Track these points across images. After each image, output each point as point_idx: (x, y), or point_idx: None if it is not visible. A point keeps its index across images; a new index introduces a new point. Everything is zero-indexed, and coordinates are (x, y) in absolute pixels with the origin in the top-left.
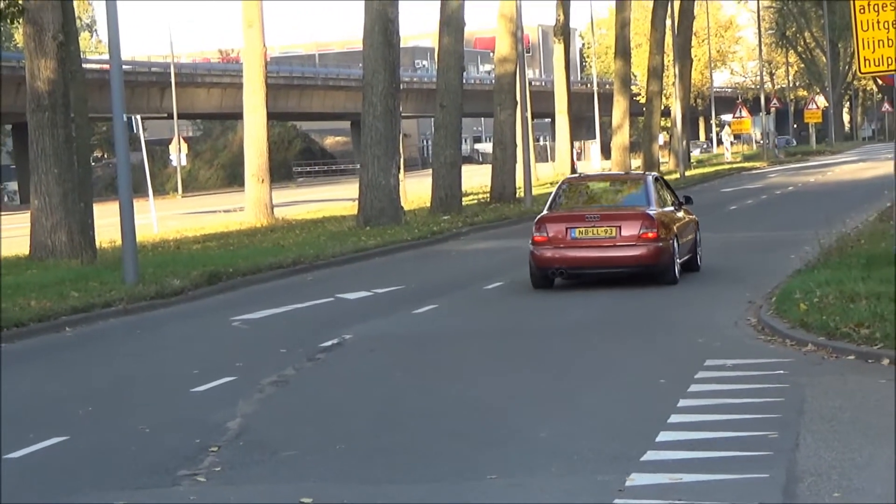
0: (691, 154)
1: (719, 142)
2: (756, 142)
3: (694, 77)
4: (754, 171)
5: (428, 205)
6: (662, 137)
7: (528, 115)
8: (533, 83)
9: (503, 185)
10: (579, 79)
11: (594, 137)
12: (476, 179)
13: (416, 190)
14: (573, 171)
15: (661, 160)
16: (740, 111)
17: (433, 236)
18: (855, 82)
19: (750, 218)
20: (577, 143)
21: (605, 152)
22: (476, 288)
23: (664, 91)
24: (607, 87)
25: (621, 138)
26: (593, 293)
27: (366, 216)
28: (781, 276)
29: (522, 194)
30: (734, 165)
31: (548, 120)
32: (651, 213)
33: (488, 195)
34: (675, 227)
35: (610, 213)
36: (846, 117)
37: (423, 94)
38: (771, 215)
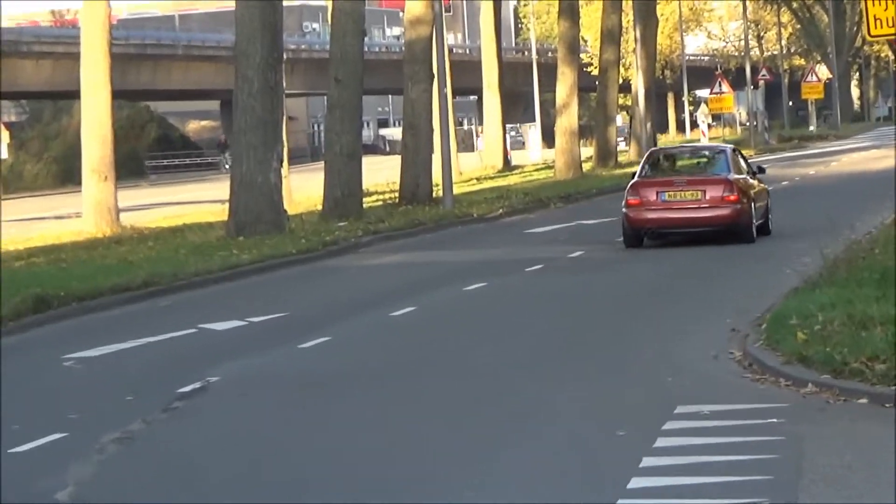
0: (657, 140)
1: (693, 124)
2: (740, 124)
3: (660, 42)
4: None
5: (319, 207)
6: (621, 119)
7: (448, 91)
8: (455, 51)
9: (416, 181)
10: (514, 45)
11: (533, 120)
12: (382, 174)
13: (304, 188)
14: (506, 161)
15: (618, 148)
16: (720, 85)
17: (325, 248)
18: (865, 48)
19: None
20: (511, 127)
21: (548, 138)
22: (380, 315)
23: (622, 60)
24: (550, 55)
25: (568, 120)
26: (535, 312)
27: (239, 223)
28: (773, 295)
29: (441, 193)
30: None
31: (473, 98)
32: (731, 178)
33: (397, 195)
34: (751, 193)
35: (695, 179)
36: (855, 92)
37: (314, 66)
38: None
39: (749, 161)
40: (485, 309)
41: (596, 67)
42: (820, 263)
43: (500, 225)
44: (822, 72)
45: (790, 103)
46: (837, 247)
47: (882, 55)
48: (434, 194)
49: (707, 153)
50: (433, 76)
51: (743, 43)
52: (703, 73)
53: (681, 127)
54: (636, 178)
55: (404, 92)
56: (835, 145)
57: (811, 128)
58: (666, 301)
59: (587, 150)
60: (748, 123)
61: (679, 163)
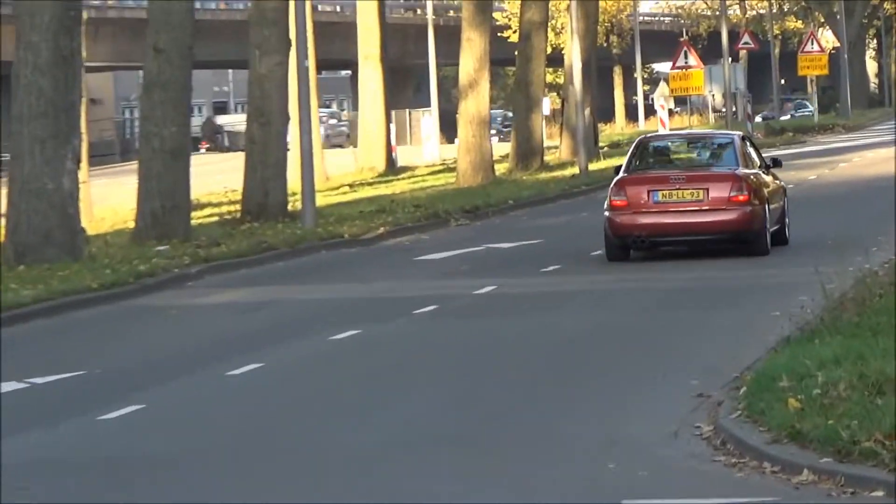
0: (598, 132)
1: (649, 111)
2: (714, 111)
3: None
4: None
5: (131, 225)
6: (549, 103)
7: (311, 64)
8: (320, 8)
9: (264, 189)
10: (401, 1)
11: (428, 104)
12: (218, 178)
13: (110, 198)
14: (390, 161)
15: (545, 142)
16: (685, 56)
17: (138, 282)
18: (887, 4)
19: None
20: (397, 114)
21: (449, 130)
22: (211, 375)
23: (552, 22)
24: (452, 14)
25: (476, 105)
26: (425, 373)
27: (18, 246)
28: (756, 348)
29: (299, 206)
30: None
31: (345, 73)
32: (740, 174)
33: (238, 208)
34: (765, 192)
35: (696, 174)
36: (871, 67)
37: (125, 30)
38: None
39: (762, 152)
40: (356, 367)
41: (515, 32)
42: (820, 303)
43: (381, 249)
44: (827, 38)
45: (783, 82)
46: (845, 280)
47: None
48: (290, 207)
49: (711, 142)
50: (290, 44)
51: None
52: (663, 40)
53: (631, 114)
54: (622, 174)
55: (250, 66)
56: (843, 140)
57: (810, 114)
58: (609, 353)
59: (502, 147)
60: (723, 110)
61: (675, 154)
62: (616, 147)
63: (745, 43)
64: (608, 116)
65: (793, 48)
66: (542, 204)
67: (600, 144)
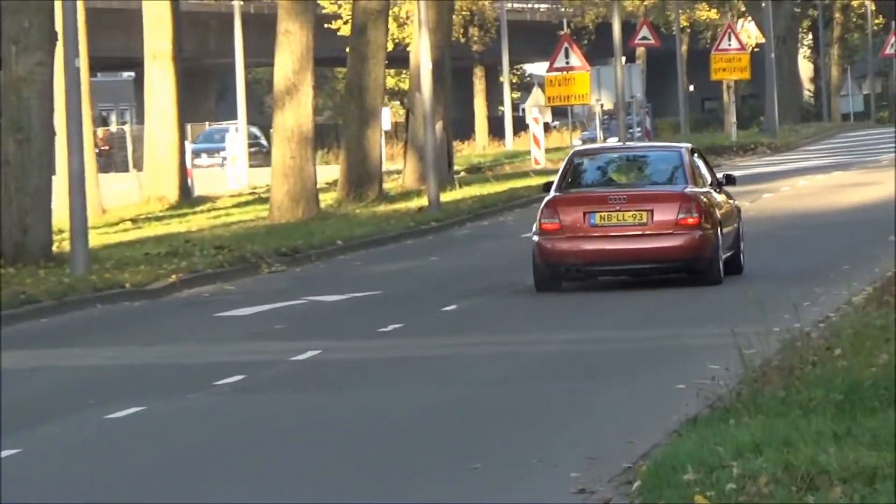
0: (453, 153)
1: (519, 126)
2: (601, 124)
3: None
4: None
5: None
6: (390, 115)
7: (82, 64)
8: None
9: (22, 224)
10: None
11: (234, 116)
12: None
13: None
14: (184, 190)
15: (385, 166)
16: (566, 55)
17: None
18: None
19: (586, 303)
20: (193, 129)
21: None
22: None
23: (393, 11)
24: (263, 2)
25: (295, 116)
26: (230, 469)
27: None
28: (654, 430)
29: (67, 246)
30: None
31: (128, 76)
32: (689, 193)
33: None
34: (717, 214)
35: (639, 194)
36: (805, 70)
37: None
38: (637, 295)
39: (712, 167)
40: (136, 456)
41: (347, 23)
42: (737, 372)
43: (173, 303)
44: (749, 33)
45: (691, 88)
46: (768, 344)
47: (854, 4)
48: (55, 248)
49: (655, 156)
50: (56, 37)
51: None
52: (538, 34)
53: (497, 129)
54: (553, 193)
55: (3, 66)
56: (769, 163)
57: (729, 131)
58: (461, 439)
59: (328, 171)
60: (615, 122)
61: (615, 170)
62: (476, 172)
63: (644, 38)
64: (466, 132)
65: (705, 45)
66: (381, 245)
67: (456, 168)
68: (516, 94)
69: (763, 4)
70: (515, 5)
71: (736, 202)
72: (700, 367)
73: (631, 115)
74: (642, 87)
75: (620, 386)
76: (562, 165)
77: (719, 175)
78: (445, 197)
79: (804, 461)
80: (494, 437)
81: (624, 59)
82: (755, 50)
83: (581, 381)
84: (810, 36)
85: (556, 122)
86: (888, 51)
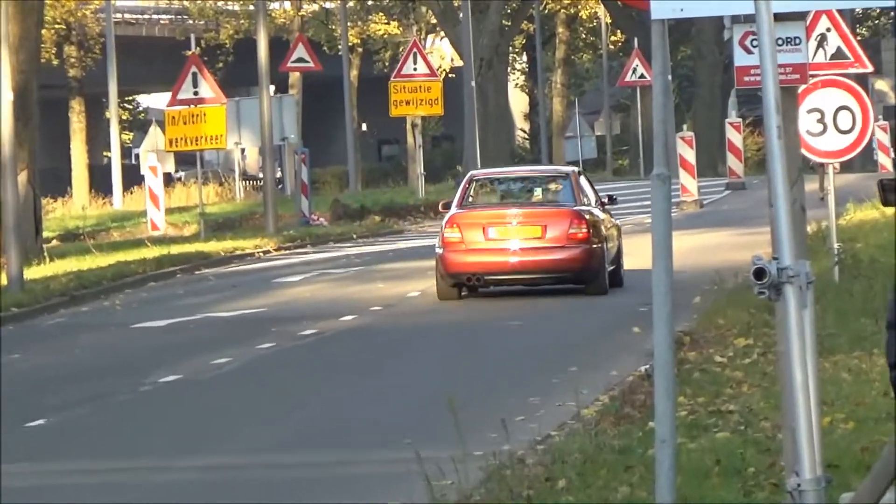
0: (42, 213)
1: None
2: (246, 175)
3: None
4: (245, 266)
5: None
6: None
7: None
8: None
9: None
10: None
11: None
12: None
13: None
14: None
15: None
16: (194, 84)
17: None
18: None
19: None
20: None
21: None
22: None
23: None
24: None
25: None
26: None
27: None
28: None
29: None
30: (186, 250)
31: None
32: (579, 210)
33: None
34: (602, 230)
35: (533, 211)
36: (518, 103)
37: None
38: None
39: (596, 189)
40: None
41: None
42: None
43: None
44: (443, 53)
45: (364, 127)
46: (467, 473)
47: (582, 13)
48: None
49: (546, 176)
50: None
51: None
52: (156, 55)
53: (101, 181)
54: (455, 209)
55: None
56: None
57: (416, 185)
58: None
59: None
60: (262, 175)
61: (509, 190)
62: (74, 240)
63: (299, 60)
64: (60, 187)
65: (383, 70)
66: None
67: (46, 235)
68: (128, 136)
69: (461, 15)
70: (127, 16)
71: (617, 221)
72: None
73: (282, 160)
74: (296, 125)
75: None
76: (461, 184)
77: (602, 196)
78: (31, 273)
79: None
80: None
81: (273, 88)
82: (450, 76)
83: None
84: (525, 58)
85: (182, 173)
86: (629, 78)
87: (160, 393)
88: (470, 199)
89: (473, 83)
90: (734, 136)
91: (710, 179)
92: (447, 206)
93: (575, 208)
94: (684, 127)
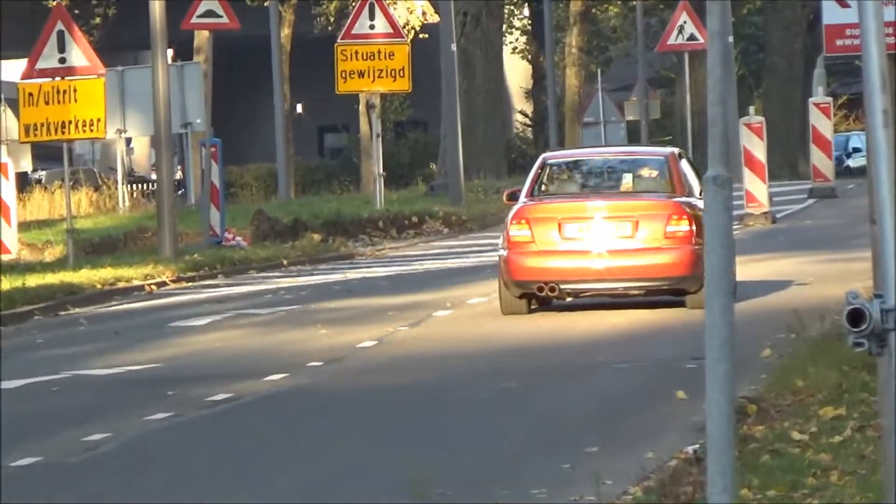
0: None
1: None
2: (131, 175)
3: None
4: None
5: None
6: None
7: None
8: None
9: None
10: None
11: None
12: None
13: None
14: None
15: None
16: (60, 48)
17: None
18: None
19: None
20: None
21: None
22: None
23: None
24: None
25: None
26: None
27: None
28: None
29: None
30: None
31: None
32: (680, 202)
33: None
34: None
35: (622, 203)
36: (517, 75)
37: None
38: None
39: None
40: None
41: None
42: None
43: None
44: (412, 5)
45: (298, 109)
46: None
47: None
48: None
49: (639, 159)
50: None
51: None
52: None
53: None
54: (523, 200)
55: None
56: (449, 252)
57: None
58: None
59: None
60: (154, 176)
61: (594, 176)
62: None
63: (208, 14)
64: None
65: (328, 28)
66: None
67: None
68: None
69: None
70: None
71: None
72: None
73: (184, 156)
74: (205, 106)
75: None
76: (532, 170)
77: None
78: None
79: None
80: None
81: (171, 53)
82: (422, 37)
83: None
84: (527, 11)
85: (42, 173)
86: (674, 40)
87: (11, 482)
88: (543, 187)
89: (454, 47)
90: (821, 123)
91: (786, 183)
92: (514, 197)
93: (675, 200)
94: (750, 110)
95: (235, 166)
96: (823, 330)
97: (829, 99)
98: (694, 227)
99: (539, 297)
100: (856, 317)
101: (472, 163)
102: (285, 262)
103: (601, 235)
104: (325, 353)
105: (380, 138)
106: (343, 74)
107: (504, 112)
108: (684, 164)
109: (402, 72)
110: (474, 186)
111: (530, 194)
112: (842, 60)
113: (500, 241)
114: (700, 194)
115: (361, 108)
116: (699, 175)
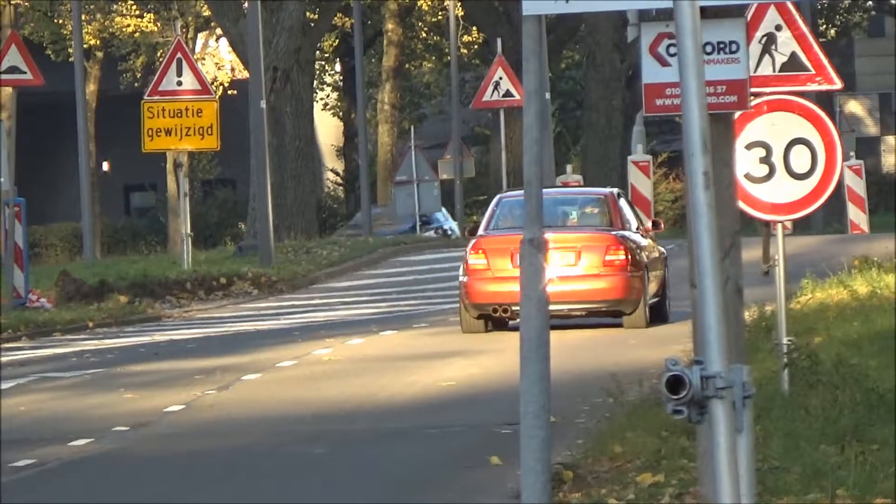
0: None
1: None
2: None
3: None
4: None
5: None
6: None
7: None
8: None
9: None
10: None
11: None
12: None
13: None
14: None
15: None
16: None
17: None
18: None
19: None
20: None
21: None
22: None
23: None
24: None
25: None
26: None
27: None
28: None
29: None
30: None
31: None
32: (617, 235)
33: None
34: (644, 257)
35: (567, 236)
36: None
37: None
38: None
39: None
40: None
41: None
42: None
43: None
44: (220, 58)
45: (105, 167)
46: None
47: (420, 2)
48: None
49: (583, 198)
50: None
51: None
52: None
53: None
54: (481, 233)
55: None
56: (259, 314)
57: (180, 252)
58: None
59: None
60: None
61: (543, 212)
62: None
63: (12, 70)
64: None
65: (135, 84)
66: None
67: None
68: None
69: (245, 5)
70: None
71: (662, 249)
72: None
73: None
74: (8, 164)
75: None
76: (489, 207)
77: (646, 220)
78: None
79: None
80: None
81: None
82: (231, 94)
83: None
84: (338, 67)
85: None
86: (489, 97)
87: None
88: (498, 221)
89: (264, 104)
90: (640, 182)
91: None
92: (473, 232)
93: (612, 233)
94: (568, 168)
95: (39, 226)
96: (643, 395)
97: (649, 157)
98: (629, 257)
99: (494, 318)
100: (675, 384)
101: (282, 222)
102: (91, 324)
103: (549, 264)
104: (132, 417)
105: (187, 197)
106: (150, 132)
107: (315, 170)
108: (623, 203)
109: (210, 129)
110: (284, 247)
111: (486, 228)
112: (663, 119)
113: (459, 269)
114: (636, 229)
115: (169, 166)
116: (636, 213)
